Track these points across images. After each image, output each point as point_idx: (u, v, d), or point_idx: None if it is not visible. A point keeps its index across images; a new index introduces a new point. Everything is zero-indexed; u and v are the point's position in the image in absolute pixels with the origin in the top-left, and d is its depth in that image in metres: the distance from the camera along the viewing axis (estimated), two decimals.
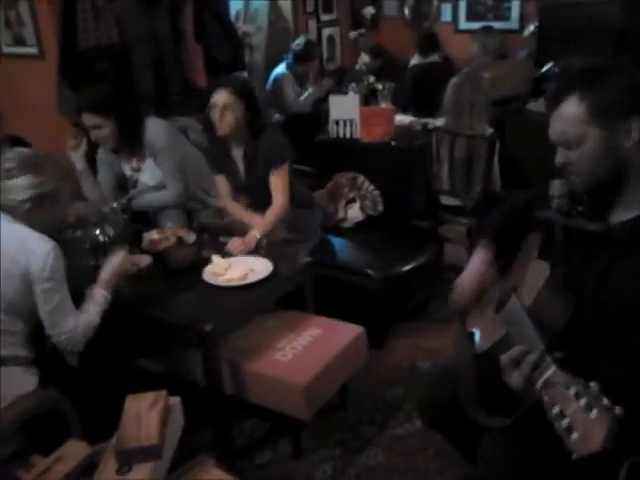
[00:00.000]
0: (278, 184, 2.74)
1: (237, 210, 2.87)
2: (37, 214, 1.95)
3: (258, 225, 2.68)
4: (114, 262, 2.12)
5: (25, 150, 2.08)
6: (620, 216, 1.42)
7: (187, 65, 3.71)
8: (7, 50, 3.61)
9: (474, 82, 3.30)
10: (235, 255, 2.48)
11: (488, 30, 4.79)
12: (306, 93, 4.79)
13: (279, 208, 2.73)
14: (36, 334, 1.96)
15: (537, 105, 4.03)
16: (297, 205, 2.87)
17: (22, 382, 1.88)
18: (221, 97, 2.61)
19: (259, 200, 2.83)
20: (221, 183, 2.89)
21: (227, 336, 2.27)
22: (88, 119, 2.73)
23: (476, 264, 1.73)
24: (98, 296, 2.02)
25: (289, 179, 2.78)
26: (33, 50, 3.55)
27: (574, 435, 1.07)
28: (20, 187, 1.90)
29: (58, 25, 3.34)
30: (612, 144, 1.34)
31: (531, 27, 4.92)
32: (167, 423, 1.54)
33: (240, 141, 2.76)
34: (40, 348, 1.99)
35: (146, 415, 1.51)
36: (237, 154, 2.81)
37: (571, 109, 1.35)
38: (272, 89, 4.85)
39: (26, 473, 1.55)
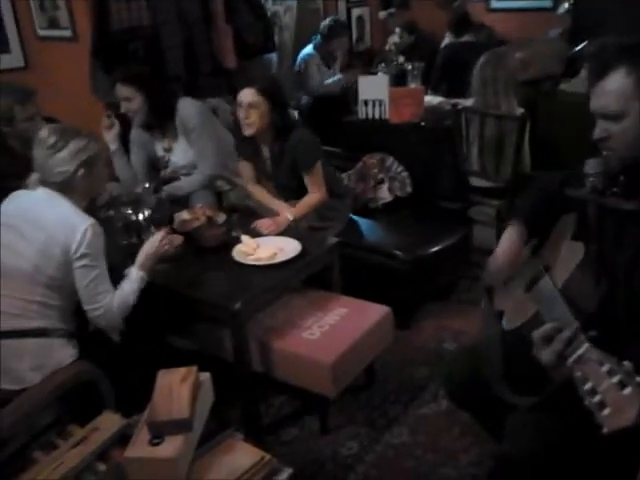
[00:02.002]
0: (313, 183, 2.77)
1: (261, 194, 2.89)
2: (91, 179, 2.00)
3: (292, 209, 2.72)
4: (151, 244, 2.15)
5: (56, 124, 2.12)
6: None
7: (217, 46, 3.72)
8: (42, 33, 3.66)
9: (498, 60, 3.26)
10: (264, 234, 2.51)
11: None
12: (335, 78, 4.76)
13: (315, 200, 2.77)
14: (79, 309, 2.01)
15: (570, 85, 3.94)
16: (329, 193, 2.89)
17: (62, 354, 1.95)
18: (247, 96, 2.62)
19: (285, 190, 2.86)
20: (245, 168, 2.92)
21: (256, 314, 2.31)
22: (120, 90, 2.84)
23: (508, 241, 1.72)
24: (134, 276, 2.06)
25: (322, 173, 2.79)
26: (67, 33, 3.59)
27: (606, 411, 1.08)
28: (69, 156, 1.93)
29: (91, 8, 3.38)
30: None
31: (565, 5, 4.83)
32: (197, 397, 1.58)
33: (266, 141, 2.78)
34: (83, 323, 2.04)
35: (177, 389, 1.56)
36: (264, 150, 2.84)
37: (617, 82, 1.35)
38: (299, 70, 4.85)
39: (64, 441, 1.61)
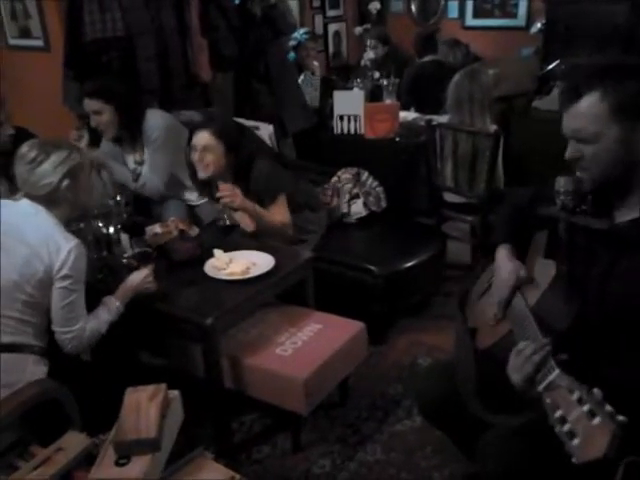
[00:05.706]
0: (276, 212, 2.62)
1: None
2: (77, 190, 1.97)
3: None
4: (136, 279, 2.12)
5: (34, 139, 2.09)
6: (625, 216, 1.41)
7: (192, 58, 3.71)
8: (13, 42, 3.62)
9: (473, 78, 3.29)
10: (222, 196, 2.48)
11: None
12: None
13: (277, 220, 2.62)
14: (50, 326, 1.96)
15: (543, 103, 4.02)
16: (304, 206, 2.85)
17: (33, 371, 1.89)
18: (201, 139, 2.54)
19: None
20: None
21: (228, 330, 2.28)
22: (89, 104, 2.80)
23: (506, 259, 1.63)
24: (112, 306, 2.03)
25: (287, 207, 2.66)
26: (39, 42, 3.55)
27: (576, 441, 1.06)
28: (52, 167, 1.91)
29: (64, 17, 3.35)
30: (629, 144, 1.33)
31: (538, 24, 4.91)
32: (166, 416, 1.55)
33: (227, 182, 2.62)
34: (53, 340, 1.98)
35: (145, 408, 1.52)
36: None
37: (592, 105, 1.33)
38: None
39: (25, 463, 1.56)
